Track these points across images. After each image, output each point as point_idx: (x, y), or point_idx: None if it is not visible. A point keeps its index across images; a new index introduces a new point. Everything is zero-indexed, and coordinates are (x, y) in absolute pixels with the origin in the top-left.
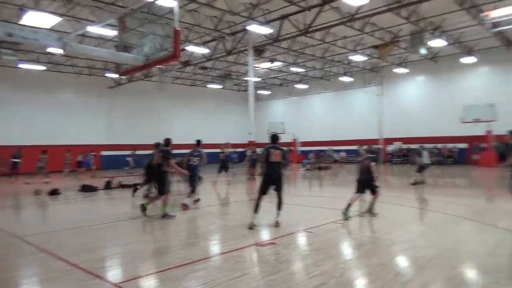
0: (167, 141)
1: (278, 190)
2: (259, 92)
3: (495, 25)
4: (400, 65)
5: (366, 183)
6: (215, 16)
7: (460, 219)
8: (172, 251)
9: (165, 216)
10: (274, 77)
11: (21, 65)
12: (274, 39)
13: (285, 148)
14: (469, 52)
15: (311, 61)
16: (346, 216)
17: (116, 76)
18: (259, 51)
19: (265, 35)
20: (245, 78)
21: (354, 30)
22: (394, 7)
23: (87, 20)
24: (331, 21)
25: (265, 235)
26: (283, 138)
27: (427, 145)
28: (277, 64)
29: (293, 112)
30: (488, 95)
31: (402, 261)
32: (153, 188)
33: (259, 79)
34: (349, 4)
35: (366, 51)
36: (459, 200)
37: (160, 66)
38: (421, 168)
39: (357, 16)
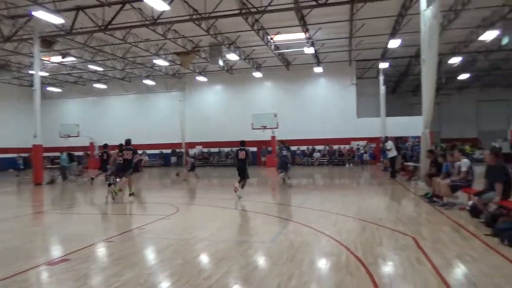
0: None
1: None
2: (48, 89)
3: (278, 47)
4: (200, 73)
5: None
6: None
7: (252, 213)
8: None
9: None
10: (67, 74)
11: None
12: (67, 32)
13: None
14: (258, 68)
15: (111, 60)
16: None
17: None
18: (48, 43)
19: (56, 25)
20: (30, 72)
21: (157, 34)
22: (195, 18)
23: None
24: (133, 22)
25: (57, 251)
26: (78, 142)
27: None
28: (70, 59)
29: (90, 113)
30: (273, 106)
31: (204, 258)
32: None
33: (47, 74)
34: (151, 7)
35: (168, 56)
36: (251, 197)
37: None
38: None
39: (159, 21)
